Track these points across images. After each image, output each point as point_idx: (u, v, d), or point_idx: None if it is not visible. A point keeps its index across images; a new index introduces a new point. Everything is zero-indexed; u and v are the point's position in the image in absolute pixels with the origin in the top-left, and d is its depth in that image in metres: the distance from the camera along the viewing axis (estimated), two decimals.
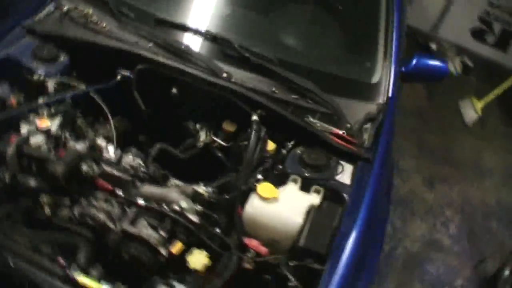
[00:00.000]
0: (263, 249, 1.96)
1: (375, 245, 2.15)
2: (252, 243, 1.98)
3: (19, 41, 2.53)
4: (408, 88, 4.54)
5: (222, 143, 2.40)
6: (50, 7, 2.70)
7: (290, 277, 1.87)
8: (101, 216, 2.02)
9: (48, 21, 2.63)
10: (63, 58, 2.50)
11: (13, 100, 2.29)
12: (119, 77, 2.43)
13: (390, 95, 2.47)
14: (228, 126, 2.43)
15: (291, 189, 2.10)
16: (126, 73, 2.44)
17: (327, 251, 1.89)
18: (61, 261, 1.84)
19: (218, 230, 2.03)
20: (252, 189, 2.06)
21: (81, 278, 1.79)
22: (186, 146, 2.42)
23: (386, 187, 2.36)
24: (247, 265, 1.93)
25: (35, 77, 2.37)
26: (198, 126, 2.46)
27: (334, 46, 2.76)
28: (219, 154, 2.40)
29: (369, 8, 2.79)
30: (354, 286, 1.91)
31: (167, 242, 1.98)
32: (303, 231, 1.95)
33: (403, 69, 2.69)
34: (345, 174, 2.17)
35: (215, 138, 2.41)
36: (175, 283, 1.89)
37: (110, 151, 2.23)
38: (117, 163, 2.19)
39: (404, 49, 2.67)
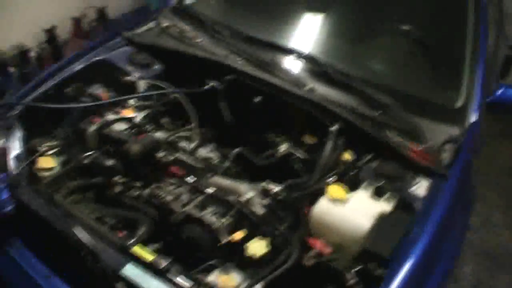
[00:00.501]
0: (327, 249, 1.90)
1: (442, 264, 2.02)
2: (316, 242, 1.93)
3: (117, 49, 2.72)
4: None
5: (300, 156, 2.38)
6: (150, 24, 2.92)
7: (350, 277, 1.82)
8: (168, 198, 2.06)
9: (147, 34, 2.85)
10: (156, 66, 2.66)
11: (103, 95, 2.41)
12: (208, 86, 2.53)
13: (472, 120, 2.41)
14: (309, 139, 2.44)
15: (362, 195, 2.05)
16: (214, 83, 2.52)
17: (391, 256, 1.82)
18: (121, 232, 1.86)
19: (281, 227, 1.99)
20: (322, 190, 2.03)
21: (138, 249, 1.82)
22: (265, 155, 2.42)
23: (462, 208, 2.26)
24: (307, 262, 1.88)
25: (128, 78, 2.53)
26: (278, 137, 2.47)
27: (420, 70, 2.73)
28: (296, 166, 2.37)
29: (456, 35, 2.76)
30: None
31: (229, 229, 1.97)
32: (369, 236, 1.89)
33: (489, 98, 2.62)
34: (419, 188, 2.11)
35: (293, 151, 2.40)
36: (231, 269, 1.85)
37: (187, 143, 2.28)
38: (191, 153, 2.24)
39: (490, 77, 2.61)
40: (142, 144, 2.17)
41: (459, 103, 2.46)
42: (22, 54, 4.15)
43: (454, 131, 2.34)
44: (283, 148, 2.42)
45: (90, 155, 2.22)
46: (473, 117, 2.42)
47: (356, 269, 1.86)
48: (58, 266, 1.99)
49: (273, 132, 2.51)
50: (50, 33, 4.42)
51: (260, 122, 2.56)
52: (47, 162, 2.17)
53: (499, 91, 2.62)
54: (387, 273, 1.77)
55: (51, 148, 2.26)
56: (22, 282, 2.00)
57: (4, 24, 4.20)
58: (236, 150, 2.38)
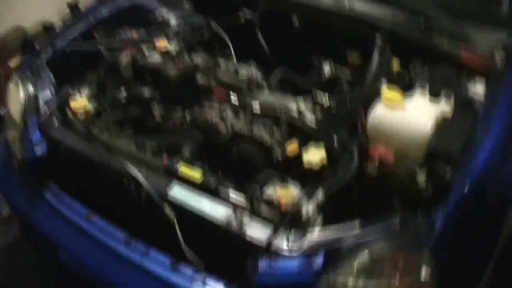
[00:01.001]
0: (388, 154, 1.72)
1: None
2: (378, 149, 1.74)
3: None
4: None
5: (347, 77, 2.23)
6: None
7: (419, 178, 1.63)
8: (214, 119, 1.91)
9: None
10: (186, 4, 2.56)
11: (134, 34, 2.30)
12: (242, 19, 2.41)
13: None
14: (353, 58, 2.28)
15: (419, 97, 1.88)
16: (249, 16, 2.41)
17: (460, 156, 1.63)
18: (165, 156, 1.73)
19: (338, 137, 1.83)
20: (377, 97, 1.85)
21: (184, 169, 1.67)
22: (311, 80, 2.26)
23: None
24: (371, 172, 1.69)
25: (159, 16, 2.44)
26: (322, 61, 2.30)
27: None
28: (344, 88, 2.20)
29: None
30: (485, 196, 1.62)
31: (282, 144, 1.82)
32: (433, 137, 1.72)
33: None
34: (477, 89, 1.93)
35: (339, 74, 2.25)
36: (289, 179, 1.67)
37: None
38: (234, 73, 2.12)
39: None
40: (179, 67, 2.06)
41: (506, 9, 2.27)
42: (47, 29, 4.05)
43: (503, 35, 2.15)
44: (327, 69, 2.24)
45: (126, 88, 2.08)
46: None
47: (424, 173, 1.65)
48: (97, 206, 1.86)
49: (316, 56, 2.34)
50: (74, 6, 4.32)
51: (300, 48, 2.40)
52: (80, 103, 2.03)
53: None
54: (459, 173, 1.58)
55: (83, 90, 2.12)
56: (61, 227, 1.88)
57: (26, 2, 4.10)
58: (279, 72, 2.23)
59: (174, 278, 1.63)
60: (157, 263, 1.67)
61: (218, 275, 1.57)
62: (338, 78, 2.22)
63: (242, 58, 2.34)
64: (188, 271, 1.61)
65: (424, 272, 1.43)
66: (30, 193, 1.98)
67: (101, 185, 1.83)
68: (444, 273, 1.48)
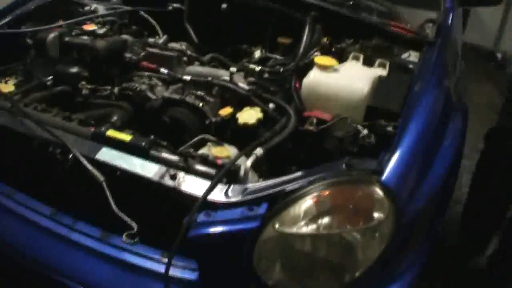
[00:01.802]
0: (327, 115, 1.68)
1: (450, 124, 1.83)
2: (314, 112, 1.71)
3: None
4: None
5: (277, 57, 2.22)
6: None
7: (360, 129, 1.59)
8: (142, 87, 1.84)
9: None
10: None
11: (62, 22, 2.21)
12: (170, 7, 2.40)
13: (447, 5, 2.35)
14: (284, 40, 2.30)
15: (353, 63, 1.90)
16: (177, 5, 2.41)
17: (400, 110, 1.63)
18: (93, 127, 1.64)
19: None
20: (311, 63, 1.85)
21: (112, 133, 1.58)
22: (241, 63, 2.20)
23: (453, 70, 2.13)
24: (310, 128, 1.65)
25: (87, 7, 2.37)
26: (252, 47, 2.30)
27: None
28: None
29: None
30: (427, 148, 1.60)
31: (215, 108, 1.77)
32: (371, 96, 1.71)
33: None
34: (411, 56, 2.00)
35: (270, 54, 2.24)
36: (223, 143, 1.62)
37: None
38: (163, 45, 2.11)
39: None
40: (107, 42, 2.00)
41: None
42: None
43: (431, 14, 2.29)
44: (257, 53, 2.23)
45: (53, 66, 2.00)
46: (447, 4, 2.37)
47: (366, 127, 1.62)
48: (22, 183, 1.71)
49: (245, 43, 2.34)
50: None
51: (229, 35, 2.38)
52: (7, 88, 1.92)
53: None
54: (399, 127, 1.55)
55: (9, 80, 2.01)
56: None
57: None
58: (210, 54, 2.19)
59: (106, 248, 1.50)
60: (86, 234, 1.53)
61: (153, 237, 1.45)
62: (267, 60, 2.20)
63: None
64: (118, 240, 1.47)
65: (379, 213, 1.35)
66: None
67: (25, 160, 1.70)
68: None
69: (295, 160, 1.66)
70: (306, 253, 1.35)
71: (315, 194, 1.35)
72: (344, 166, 1.39)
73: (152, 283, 1.42)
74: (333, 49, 2.03)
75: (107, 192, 1.42)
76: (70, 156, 1.52)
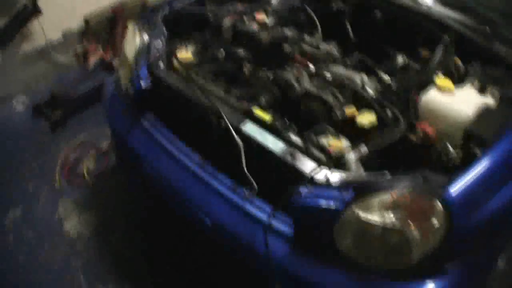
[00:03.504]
0: (432, 131, 2.01)
1: None
2: (423, 124, 2.05)
3: None
4: None
5: (416, 66, 2.51)
6: None
7: (450, 149, 1.92)
8: (291, 77, 2.28)
9: None
10: None
11: (239, 4, 2.73)
12: (334, 6, 2.80)
13: None
14: (424, 52, 2.56)
15: (468, 89, 2.16)
16: (341, 5, 2.79)
17: (491, 139, 1.90)
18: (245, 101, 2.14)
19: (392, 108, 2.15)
20: (432, 81, 2.16)
21: (258, 111, 2.06)
22: (385, 66, 2.57)
23: None
24: (414, 138, 2.00)
25: None
26: (397, 52, 2.60)
27: None
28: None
29: None
30: (502, 179, 1.86)
31: (343, 106, 2.16)
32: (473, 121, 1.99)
33: None
34: None
35: (411, 62, 2.54)
36: (342, 136, 2.03)
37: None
38: (315, 45, 2.49)
39: None
40: (271, 34, 2.45)
41: None
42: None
43: None
44: (400, 59, 2.55)
45: (225, 47, 2.49)
46: None
47: (458, 148, 1.94)
48: (183, 134, 2.27)
49: (392, 47, 2.65)
50: None
51: (380, 38, 2.72)
52: (186, 55, 2.45)
53: None
54: (483, 152, 1.84)
55: (189, 46, 2.56)
56: (150, 147, 2.29)
57: None
58: (357, 54, 2.58)
59: (234, 197, 2.01)
60: (221, 183, 2.05)
61: (268, 197, 1.93)
62: (407, 67, 2.51)
63: (330, 38, 2.70)
64: (243, 192, 1.98)
65: (435, 220, 1.70)
66: (130, 119, 2.41)
67: (189, 118, 2.23)
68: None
69: (401, 161, 2.01)
70: (373, 236, 1.75)
71: (390, 193, 1.72)
72: (420, 177, 1.74)
73: (260, 229, 1.89)
74: (453, 72, 2.29)
75: (243, 156, 1.91)
76: (223, 123, 2.02)
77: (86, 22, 4.18)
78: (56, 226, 2.91)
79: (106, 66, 3.98)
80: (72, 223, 2.95)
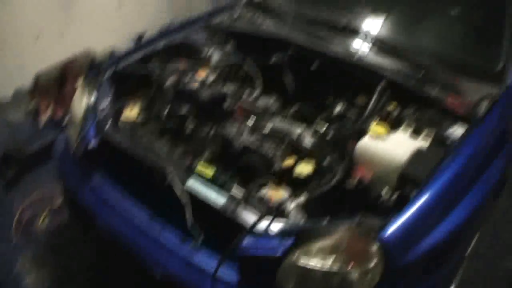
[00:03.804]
0: (367, 176, 2.15)
1: (469, 198, 2.17)
2: (359, 170, 2.18)
3: (196, 33, 3.18)
4: None
5: (354, 114, 2.64)
6: (225, 14, 3.37)
7: (384, 192, 2.05)
8: (231, 133, 2.40)
9: (222, 22, 3.26)
10: (230, 45, 3.08)
11: (182, 64, 2.85)
12: (272, 60, 2.91)
13: (510, 81, 2.62)
14: (361, 100, 2.70)
15: (402, 133, 2.31)
16: (279, 58, 2.91)
17: (423, 181, 2.02)
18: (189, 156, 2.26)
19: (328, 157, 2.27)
20: (367, 130, 2.30)
21: (200, 167, 2.18)
22: (323, 115, 2.71)
23: (495, 155, 2.41)
24: (350, 184, 2.13)
25: (204, 52, 2.96)
26: (335, 101, 2.75)
27: (464, 39, 2.95)
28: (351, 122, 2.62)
29: (496, 5, 2.96)
30: (437, 216, 2.01)
31: (281, 159, 2.28)
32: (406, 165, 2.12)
33: None
34: (455, 131, 2.31)
35: (348, 110, 2.68)
36: (281, 187, 2.15)
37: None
38: (254, 100, 2.63)
39: None
40: (211, 93, 2.57)
41: (498, 66, 2.68)
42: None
43: (493, 90, 2.55)
44: (338, 108, 2.69)
45: (168, 105, 2.60)
46: (510, 80, 2.63)
47: (393, 191, 2.08)
48: (130, 189, 2.36)
49: (330, 96, 2.80)
50: (140, 38, 4.89)
51: (318, 88, 2.86)
52: (131, 114, 2.56)
53: None
54: (415, 194, 1.97)
55: (135, 104, 2.66)
56: (101, 203, 2.37)
57: (99, 30, 4.76)
58: (296, 106, 2.72)
59: (182, 249, 2.10)
60: (170, 236, 2.14)
61: (215, 248, 2.02)
62: (345, 114, 2.66)
63: (269, 91, 2.83)
64: (190, 244, 2.07)
65: (373, 261, 1.82)
66: (80, 177, 2.48)
67: (137, 175, 2.30)
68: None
69: (343, 205, 2.14)
70: (315, 280, 1.85)
71: (327, 238, 1.84)
72: (355, 221, 1.85)
73: (206, 280, 1.98)
74: (388, 118, 2.41)
75: (188, 210, 2.01)
76: (167, 180, 2.11)
77: (37, 79, 4.24)
78: (15, 283, 2.93)
79: (57, 123, 4.03)
80: (31, 279, 2.97)
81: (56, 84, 4.35)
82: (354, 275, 1.82)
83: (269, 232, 1.90)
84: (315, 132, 2.44)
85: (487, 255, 3.26)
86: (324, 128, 2.45)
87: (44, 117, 4.19)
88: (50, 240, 3.24)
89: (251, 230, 1.90)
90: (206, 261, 2.02)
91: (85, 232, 2.71)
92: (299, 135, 2.37)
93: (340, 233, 1.84)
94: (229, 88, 2.70)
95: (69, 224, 3.27)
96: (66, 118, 3.30)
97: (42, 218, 3.38)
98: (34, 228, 3.32)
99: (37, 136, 3.97)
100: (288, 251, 1.83)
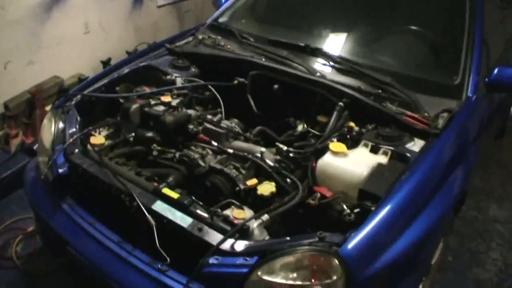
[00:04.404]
0: (329, 193, 2.21)
1: (429, 211, 2.25)
2: (320, 188, 2.25)
3: (160, 57, 3.25)
4: None
5: (315, 132, 2.73)
6: (188, 38, 3.44)
7: (345, 208, 2.11)
8: (196, 155, 2.47)
9: (186, 45, 3.37)
10: (193, 69, 3.16)
11: (147, 88, 2.89)
12: (235, 81, 3.01)
13: (468, 95, 2.73)
14: (322, 118, 2.79)
15: (362, 150, 2.38)
16: (242, 79, 3.00)
17: (383, 195, 2.10)
18: (155, 182, 2.30)
19: (291, 176, 2.35)
20: (327, 148, 2.37)
21: (166, 190, 2.23)
22: (286, 135, 2.80)
23: (454, 167, 2.51)
24: (312, 202, 2.19)
25: (169, 76, 3.03)
26: (297, 121, 2.84)
27: (423, 56, 3.10)
28: (312, 141, 2.70)
29: (454, 23, 3.11)
30: (397, 230, 2.09)
31: (245, 179, 2.35)
32: (366, 181, 2.20)
33: (487, 79, 2.91)
34: (414, 145, 2.40)
35: (310, 129, 2.76)
36: (245, 206, 2.21)
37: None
38: (217, 123, 2.69)
39: (485, 58, 2.93)
40: (175, 116, 2.64)
41: (456, 81, 2.80)
42: (81, 81, 4.69)
43: (452, 104, 2.67)
44: (300, 127, 2.78)
45: (134, 130, 2.66)
46: (469, 92, 2.75)
47: (353, 206, 2.14)
48: (101, 214, 2.40)
49: (292, 117, 2.89)
50: (106, 64, 5.00)
51: (281, 109, 2.95)
52: (98, 140, 2.60)
53: (495, 71, 2.88)
54: (375, 208, 2.05)
55: (101, 130, 2.73)
56: (72, 230, 2.40)
57: (66, 56, 4.81)
58: (259, 127, 2.78)
59: (150, 271, 2.13)
60: (138, 259, 2.18)
61: (180, 269, 2.07)
62: (307, 133, 2.74)
63: (233, 113, 2.92)
64: (157, 265, 2.11)
65: (335, 276, 1.89)
66: (51, 203, 2.52)
67: (105, 199, 2.36)
68: None
69: (306, 224, 2.22)
70: None
71: (290, 255, 1.91)
72: (316, 237, 1.93)
73: None
74: (348, 136, 2.50)
75: (155, 233, 2.07)
76: (135, 203, 2.17)
77: (6, 106, 4.26)
78: None
79: (28, 150, 4.06)
80: None
81: (26, 110, 4.38)
82: None
83: (234, 251, 1.96)
84: (278, 151, 2.51)
85: (454, 266, 3.36)
86: (286, 148, 2.50)
87: (14, 143, 4.21)
88: (26, 267, 3.27)
89: (216, 249, 1.96)
90: (175, 281, 2.06)
91: (56, 258, 2.73)
92: (262, 155, 2.44)
93: (302, 250, 1.91)
94: (192, 112, 2.76)
95: (43, 250, 3.29)
96: (36, 145, 3.34)
97: (15, 245, 3.40)
98: (8, 255, 3.35)
99: (8, 162, 3.98)
100: (253, 269, 1.90)
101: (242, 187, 2.31)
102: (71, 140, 2.56)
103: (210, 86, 2.99)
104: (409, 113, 2.55)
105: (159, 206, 2.16)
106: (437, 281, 3.11)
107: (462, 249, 3.52)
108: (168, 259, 2.04)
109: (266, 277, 1.89)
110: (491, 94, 2.96)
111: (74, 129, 2.66)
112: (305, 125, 2.77)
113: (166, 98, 2.79)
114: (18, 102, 4.37)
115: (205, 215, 2.11)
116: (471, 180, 2.64)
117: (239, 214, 2.13)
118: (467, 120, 2.63)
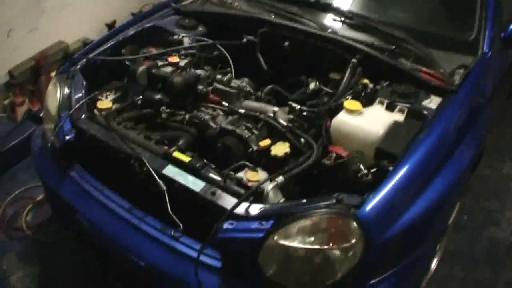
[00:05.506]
0: (345, 152, 2.14)
1: (448, 170, 2.19)
2: (336, 148, 2.17)
3: (166, 17, 3.15)
4: None
5: (328, 90, 2.65)
6: None
7: (362, 168, 2.04)
8: (206, 117, 2.38)
9: (193, 4, 3.26)
10: (201, 28, 3.07)
11: (153, 49, 2.80)
12: (245, 40, 2.90)
13: (484, 51, 2.64)
14: (335, 75, 2.71)
15: (377, 108, 2.29)
16: (251, 37, 2.88)
17: (400, 154, 2.03)
18: (165, 144, 2.23)
19: (305, 135, 2.27)
20: (342, 106, 2.28)
21: (177, 154, 2.15)
22: (298, 93, 2.71)
23: (471, 122, 2.43)
24: (327, 162, 2.11)
25: (176, 36, 2.93)
26: (309, 79, 2.75)
27: (438, 12, 2.99)
28: (325, 99, 2.62)
29: None
30: (416, 190, 2.02)
31: (258, 139, 2.27)
32: (382, 140, 2.12)
33: (502, 35, 2.80)
34: (431, 102, 2.32)
35: (323, 87, 2.68)
36: (258, 168, 2.13)
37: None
38: (227, 82, 2.60)
39: (501, 14, 2.83)
40: (184, 77, 2.54)
41: (471, 37, 2.71)
42: (86, 45, 4.59)
43: (467, 60, 2.57)
44: (312, 85, 2.69)
45: (141, 92, 2.57)
46: (484, 48, 2.65)
47: (370, 166, 2.06)
48: (109, 181, 2.34)
49: (304, 75, 2.79)
50: (111, 26, 4.90)
51: (292, 67, 2.85)
52: (105, 104, 2.51)
53: (511, 26, 2.77)
54: (393, 168, 1.98)
55: (108, 94, 2.64)
56: (80, 197, 2.35)
57: (70, 20, 4.72)
58: (270, 86, 2.69)
59: (163, 237, 2.09)
60: (150, 226, 2.13)
61: (193, 234, 2.02)
62: (320, 91, 2.66)
63: (243, 72, 2.83)
64: (170, 232, 2.06)
65: (353, 239, 1.82)
66: (59, 171, 2.46)
67: (114, 166, 2.30)
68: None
69: (321, 185, 2.15)
70: (296, 260, 1.86)
71: (307, 218, 1.84)
72: (334, 200, 1.86)
73: (190, 265, 1.96)
74: (363, 94, 2.42)
75: (167, 198, 2.00)
76: (145, 168, 2.10)
77: (11, 74, 4.19)
78: (1, 281, 2.92)
79: (34, 117, 3.99)
80: (18, 277, 2.97)
81: (31, 77, 4.31)
82: (336, 252, 1.83)
83: (249, 215, 1.90)
84: (291, 110, 2.43)
85: (469, 225, 3.30)
86: (299, 106, 2.42)
87: (21, 111, 4.15)
88: (36, 236, 3.24)
89: (231, 213, 1.89)
90: (189, 247, 2.02)
91: (67, 227, 2.68)
92: (275, 114, 2.36)
93: (319, 213, 1.84)
94: (201, 72, 2.68)
95: (53, 219, 3.24)
96: (42, 112, 3.28)
97: (25, 215, 3.36)
98: (18, 225, 3.30)
99: (15, 131, 3.92)
100: (269, 233, 1.83)
101: (255, 148, 2.24)
102: (77, 105, 2.48)
103: (218, 45, 2.89)
104: (424, 69, 2.46)
105: (170, 171, 2.09)
106: (452, 240, 3.05)
107: (477, 208, 3.43)
108: (181, 225, 1.97)
109: (282, 242, 1.82)
110: (506, 51, 2.84)
111: (80, 94, 2.58)
112: (318, 83, 2.68)
113: (173, 59, 2.70)
114: (23, 69, 4.30)
115: (218, 178, 2.04)
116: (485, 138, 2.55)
117: (253, 176, 2.05)
118: (483, 76, 2.54)
